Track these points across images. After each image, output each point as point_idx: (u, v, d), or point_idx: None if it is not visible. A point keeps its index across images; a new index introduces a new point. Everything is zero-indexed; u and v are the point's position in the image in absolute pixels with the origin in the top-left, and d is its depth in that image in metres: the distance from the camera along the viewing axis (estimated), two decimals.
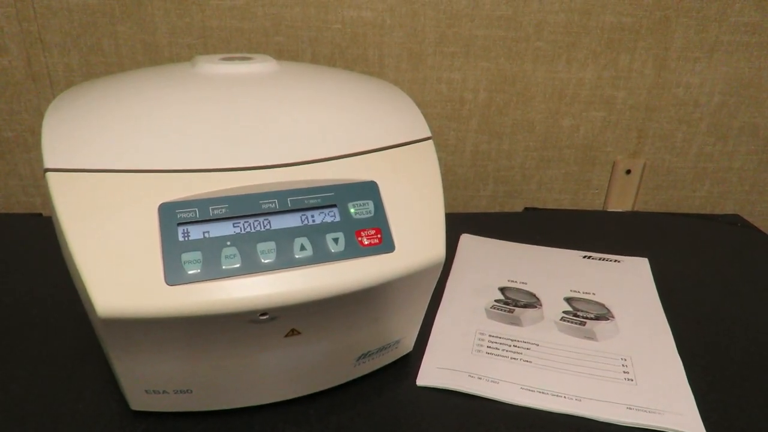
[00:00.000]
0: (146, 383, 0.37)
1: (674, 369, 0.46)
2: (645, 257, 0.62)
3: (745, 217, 0.79)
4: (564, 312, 0.53)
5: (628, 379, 0.45)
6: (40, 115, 0.69)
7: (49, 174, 0.33)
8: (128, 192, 0.33)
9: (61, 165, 0.33)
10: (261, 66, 0.43)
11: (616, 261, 0.61)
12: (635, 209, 0.82)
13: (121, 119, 0.36)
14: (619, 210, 0.81)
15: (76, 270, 0.31)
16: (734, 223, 0.73)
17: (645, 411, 0.42)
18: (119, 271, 0.31)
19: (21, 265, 0.57)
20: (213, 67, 0.42)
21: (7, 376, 0.43)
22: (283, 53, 0.69)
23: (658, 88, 0.74)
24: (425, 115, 0.46)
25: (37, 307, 0.51)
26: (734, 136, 0.78)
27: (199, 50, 0.67)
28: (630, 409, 0.42)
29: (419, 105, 0.69)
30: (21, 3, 0.63)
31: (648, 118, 0.76)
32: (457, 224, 0.68)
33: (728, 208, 0.83)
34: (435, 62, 0.71)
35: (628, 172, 0.79)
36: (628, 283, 0.57)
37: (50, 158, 0.34)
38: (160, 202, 0.33)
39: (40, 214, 0.70)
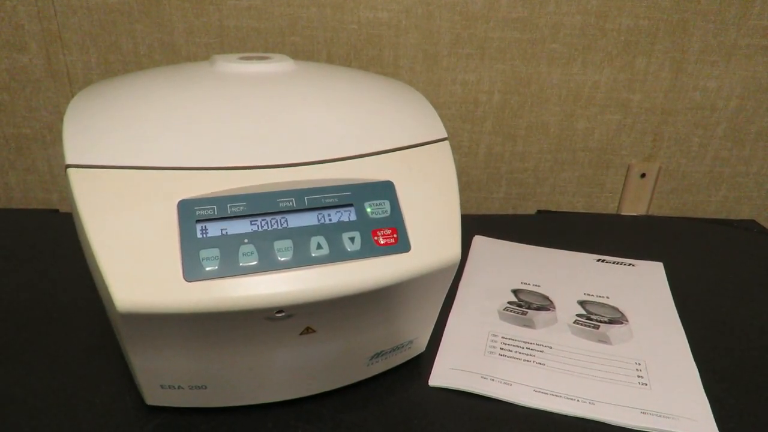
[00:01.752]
0: (162, 378, 0.37)
1: (689, 374, 0.46)
2: (660, 261, 0.62)
3: (761, 223, 0.78)
4: (577, 315, 0.52)
5: (642, 384, 0.44)
6: (58, 113, 0.70)
7: (70, 170, 0.33)
8: (148, 188, 0.33)
9: (82, 161, 0.34)
10: (279, 65, 0.43)
11: (630, 265, 0.61)
12: (650, 213, 0.82)
13: (141, 117, 0.37)
14: (634, 214, 0.81)
15: (96, 265, 0.32)
16: (750, 228, 0.72)
17: (659, 416, 0.41)
18: (138, 266, 0.31)
19: (38, 261, 0.58)
20: (231, 66, 0.42)
21: (24, 370, 0.44)
22: (298, 53, 0.69)
23: (674, 91, 0.74)
24: (440, 117, 0.46)
25: (54, 302, 0.52)
26: (751, 141, 0.77)
27: (216, 50, 0.68)
28: (644, 413, 0.42)
29: (433, 106, 0.69)
30: (42, 1, 0.64)
31: (664, 121, 0.76)
32: (470, 226, 0.68)
33: (744, 214, 0.83)
34: (450, 63, 0.71)
35: (643, 175, 0.79)
36: (643, 288, 0.57)
37: (71, 155, 0.34)
38: (179, 199, 0.33)
39: (57, 210, 0.71)
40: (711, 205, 0.82)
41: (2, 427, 0.39)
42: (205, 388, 0.38)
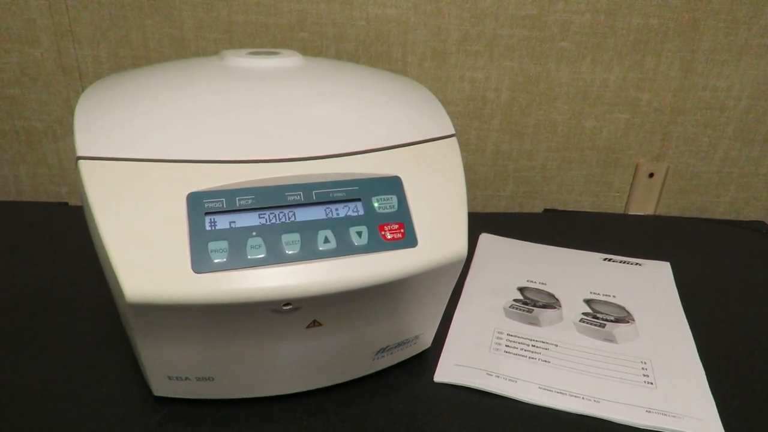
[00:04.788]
0: (169, 369, 0.38)
1: (695, 373, 0.46)
2: (667, 261, 0.62)
3: None
4: (583, 313, 0.52)
5: (648, 383, 0.44)
6: (69, 107, 0.71)
7: (81, 162, 0.34)
8: (157, 181, 0.34)
9: (93, 153, 0.34)
10: (288, 60, 0.43)
11: (637, 264, 0.61)
12: (657, 213, 0.81)
13: (152, 110, 0.37)
14: (641, 213, 0.80)
15: (106, 256, 0.32)
16: (759, 229, 0.72)
17: (664, 414, 0.41)
18: (148, 257, 0.32)
19: (47, 253, 0.58)
20: (241, 61, 0.42)
21: (33, 360, 0.44)
22: (307, 49, 0.69)
23: (684, 90, 0.73)
24: (447, 114, 0.46)
25: (63, 294, 0.52)
26: (761, 141, 0.77)
27: (225, 45, 0.68)
28: (649, 412, 0.42)
29: (441, 103, 0.69)
30: None
31: (673, 121, 0.75)
32: (477, 224, 0.67)
33: (753, 215, 0.82)
34: (458, 61, 0.71)
35: (651, 175, 0.78)
36: (650, 287, 0.57)
37: (83, 147, 0.34)
38: (189, 192, 0.33)
39: (67, 203, 0.72)
40: (720, 206, 0.81)
41: (11, 416, 0.39)
42: (212, 379, 0.39)
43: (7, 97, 0.69)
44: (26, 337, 0.47)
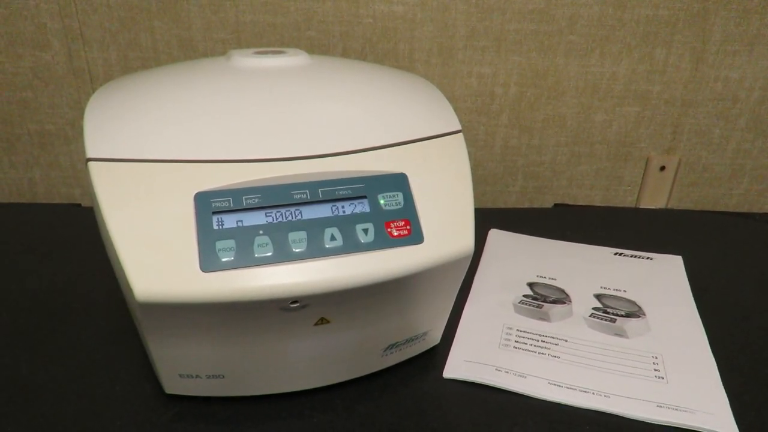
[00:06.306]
0: (180, 367, 0.38)
1: (707, 368, 0.45)
2: (679, 255, 0.61)
3: None
4: (594, 308, 0.52)
5: (659, 377, 0.44)
6: (80, 109, 0.72)
7: (91, 163, 0.34)
8: (166, 181, 0.34)
9: (103, 155, 0.35)
10: (294, 59, 0.44)
11: (648, 258, 0.60)
12: (669, 207, 0.81)
13: (159, 111, 0.37)
14: (653, 207, 0.80)
15: (116, 256, 0.32)
16: None
17: (676, 409, 0.41)
18: (157, 257, 0.32)
19: (61, 253, 0.59)
20: (247, 61, 0.43)
21: (47, 358, 0.45)
22: (314, 47, 0.69)
23: (695, 82, 0.73)
24: (455, 110, 0.45)
25: (77, 293, 0.53)
26: None
27: (233, 45, 0.69)
28: (660, 407, 0.41)
29: (449, 99, 0.69)
30: (63, 0, 0.65)
31: (684, 113, 0.74)
32: (486, 219, 0.67)
33: (766, 207, 0.81)
34: (465, 56, 0.70)
35: (662, 168, 0.78)
36: (661, 281, 0.56)
37: (92, 148, 0.35)
38: (196, 191, 0.34)
39: (79, 204, 0.73)
40: (733, 199, 0.80)
41: (25, 413, 0.40)
42: (222, 377, 0.39)
43: (20, 101, 0.71)
44: (40, 335, 0.47)
